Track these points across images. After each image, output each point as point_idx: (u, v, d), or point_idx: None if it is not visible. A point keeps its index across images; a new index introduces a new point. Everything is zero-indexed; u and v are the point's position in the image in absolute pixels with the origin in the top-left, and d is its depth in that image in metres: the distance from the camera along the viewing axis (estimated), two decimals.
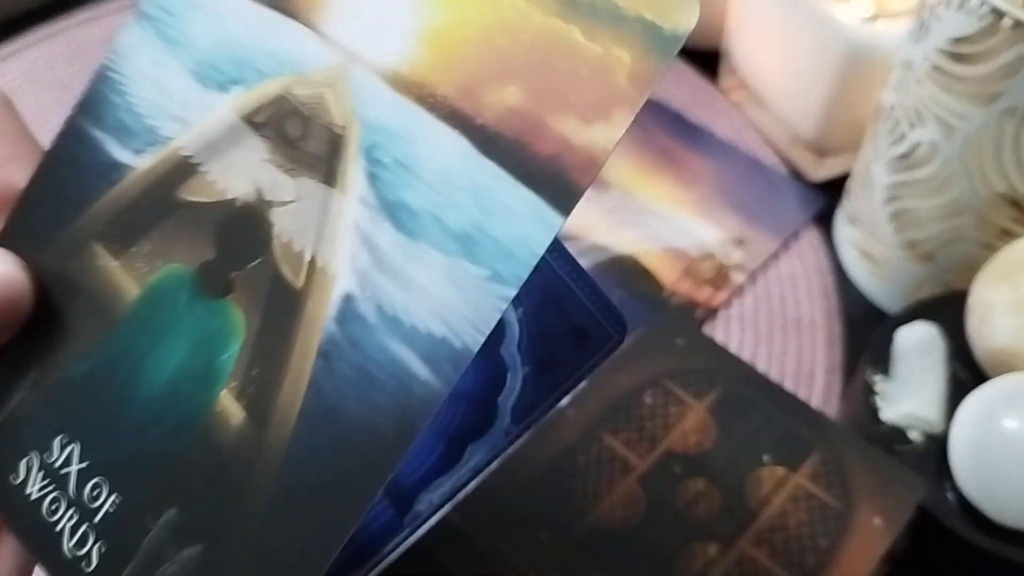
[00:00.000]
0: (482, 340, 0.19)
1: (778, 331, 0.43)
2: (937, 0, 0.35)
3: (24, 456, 0.23)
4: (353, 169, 0.21)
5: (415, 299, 0.20)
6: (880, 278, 0.44)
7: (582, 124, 0.19)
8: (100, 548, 0.22)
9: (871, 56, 0.43)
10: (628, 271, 0.44)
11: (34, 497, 0.22)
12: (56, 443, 0.23)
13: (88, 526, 0.22)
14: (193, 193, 0.22)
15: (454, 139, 0.20)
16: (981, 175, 0.36)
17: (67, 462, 0.23)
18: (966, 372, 0.36)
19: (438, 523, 0.32)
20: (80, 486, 0.22)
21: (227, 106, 0.22)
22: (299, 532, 0.20)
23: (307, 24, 0.22)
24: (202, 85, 0.22)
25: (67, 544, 0.22)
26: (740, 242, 0.46)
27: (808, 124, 0.48)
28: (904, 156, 0.39)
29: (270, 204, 0.22)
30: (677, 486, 0.33)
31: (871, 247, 0.44)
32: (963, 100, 0.35)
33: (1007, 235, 0.37)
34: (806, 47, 0.45)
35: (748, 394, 0.35)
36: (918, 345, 0.36)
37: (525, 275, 0.19)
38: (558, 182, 0.19)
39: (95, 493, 0.22)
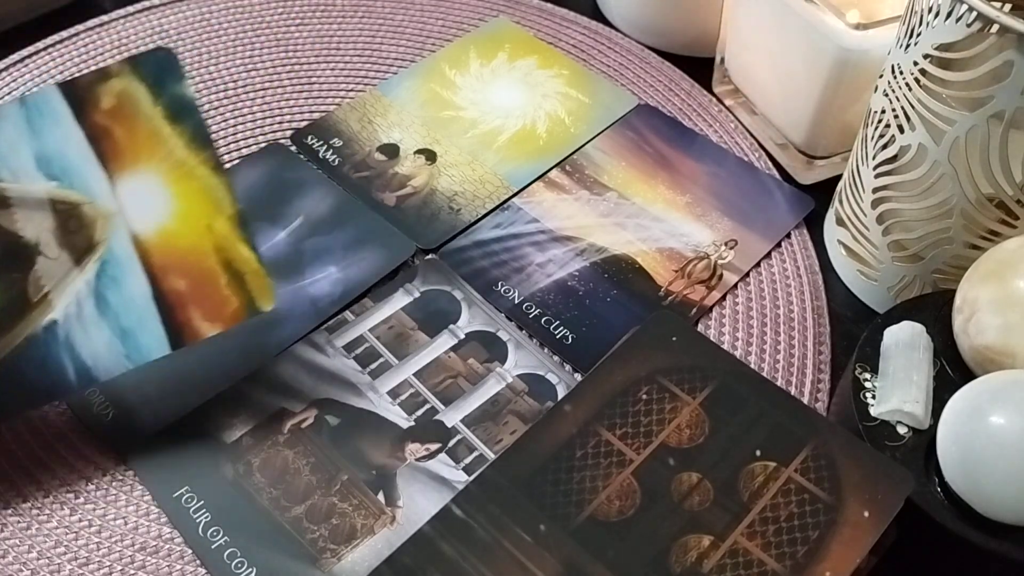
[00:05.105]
0: None
1: (769, 329, 0.44)
2: (925, 7, 0.36)
3: None
4: None
5: None
6: (868, 278, 0.44)
7: None
8: None
9: (860, 62, 0.43)
10: (624, 271, 0.45)
11: None
12: None
13: None
14: None
15: None
16: (968, 178, 0.36)
17: None
18: (953, 370, 0.36)
19: (439, 514, 0.33)
20: None
21: None
22: None
23: None
24: None
25: None
26: (733, 243, 0.46)
27: (799, 129, 0.48)
28: (892, 159, 0.39)
29: None
30: (672, 479, 0.33)
31: (860, 248, 0.44)
32: (951, 105, 0.36)
33: (993, 236, 0.38)
34: (797, 54, 0.46)
35: (740, 390, 0.35)
36: (906, 343, 0.36)
37: None
38: None
39: None
